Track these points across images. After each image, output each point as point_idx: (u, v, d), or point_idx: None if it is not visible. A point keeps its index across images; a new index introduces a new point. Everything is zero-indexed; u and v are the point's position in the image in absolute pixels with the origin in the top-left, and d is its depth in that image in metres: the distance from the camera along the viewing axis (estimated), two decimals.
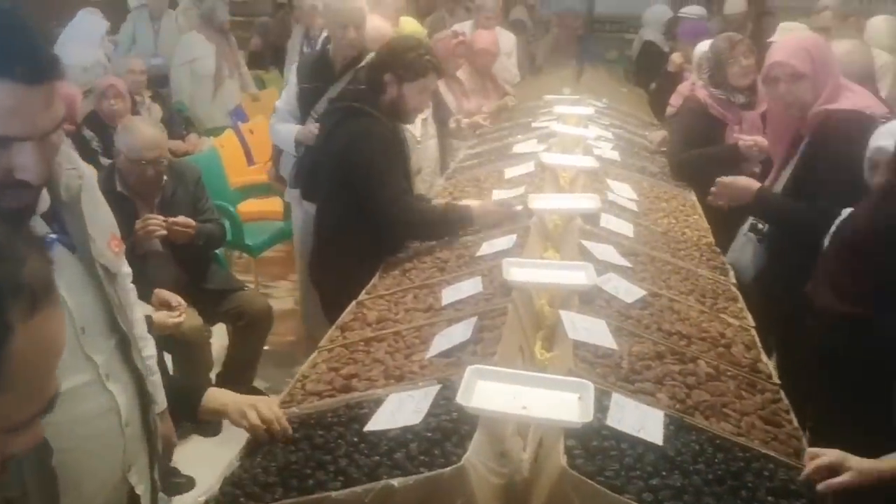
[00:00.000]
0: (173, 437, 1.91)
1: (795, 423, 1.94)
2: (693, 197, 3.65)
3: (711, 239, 3.15)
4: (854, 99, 2.73)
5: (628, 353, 2.00)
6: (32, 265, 0.83)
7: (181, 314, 2.74)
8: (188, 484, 3.30)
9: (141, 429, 1.65)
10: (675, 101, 5.03)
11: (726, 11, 6.92)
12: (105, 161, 4.30)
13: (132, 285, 1.83)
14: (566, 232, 2.91)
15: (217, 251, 4.12)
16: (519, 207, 3.01)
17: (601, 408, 1.68)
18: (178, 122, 5.70)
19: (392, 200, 2.92)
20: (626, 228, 2.91)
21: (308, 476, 1.61)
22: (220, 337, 3.99)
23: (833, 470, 1.61)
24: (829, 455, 1.63)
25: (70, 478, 1.42)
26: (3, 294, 0.80)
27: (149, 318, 2.65)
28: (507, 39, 6.09)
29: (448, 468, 1.48)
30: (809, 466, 1.62)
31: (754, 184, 2.95)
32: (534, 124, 4.51)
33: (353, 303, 2.64)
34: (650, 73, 6.75)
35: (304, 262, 3.77)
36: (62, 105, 1.36)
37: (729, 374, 2.06)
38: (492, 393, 1.70)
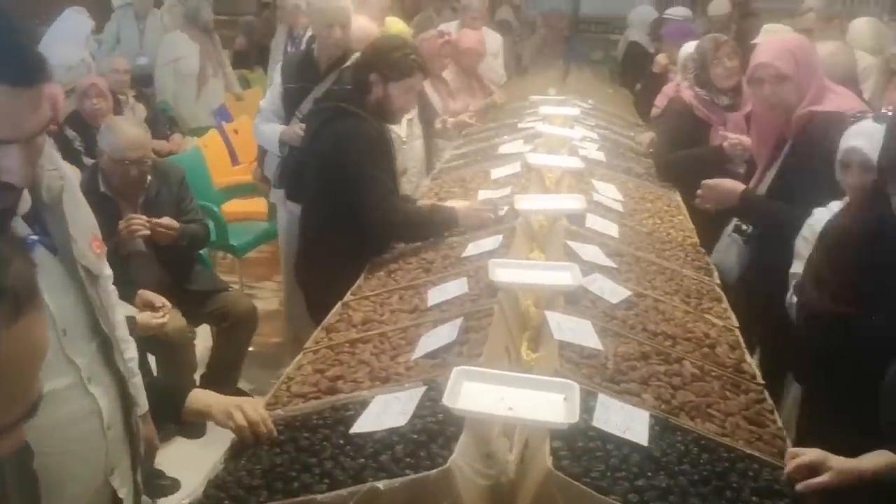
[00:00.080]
0: (155, 440, 1.90)
1: (779, 423, 1.95)
2: (678, 197, 3.67)
3: (696, 239, 3.17)
4: (838, 101, 2.75)
5: (614, 354, 2.01)
6: (17, 268, 0.82)
7: (165, 315, 2.72)
8: (173, 486, 3.28)
9: (123, 432, 1.64)
10: (661, 101, 5.05)
11: (710, 13, 6.96)
12: (88, 161, 4.27)
13: (113, 287, 1.81)
14: (552, 232, 2.91)
15: (201, 252, 4.10)
16: (503, 210, 3.00)
17: (587, 409, 1.68)
18: (162, 121, 5.66)
19: (377, 202, 2.92)
20: (611, 229, 2.92)
21: (293, 479, 1.60)
22: (204, 338, 3.97)
23: (814, 469, 1.62)
24: (810, 454, 1.64)
25: (52, 481, 1.41)
26: None
27: (132, 319, 2.64)
28: (493, 40, 6.10)
29: (434, 470, 1.48)
30: (790, 465, 1.63)
31: (739, 186, 2.97)
32: (520, 125, 4.51)
33: (339, 304, 2.63)
34: (635, 73, 6.78)
35: (289, 263, 3.75)
36: (48, 107, 1.35)
37: (714, 374, 2.07)
38: (478, 394, 1.70)
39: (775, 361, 2.65)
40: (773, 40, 3.06)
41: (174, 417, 1.86)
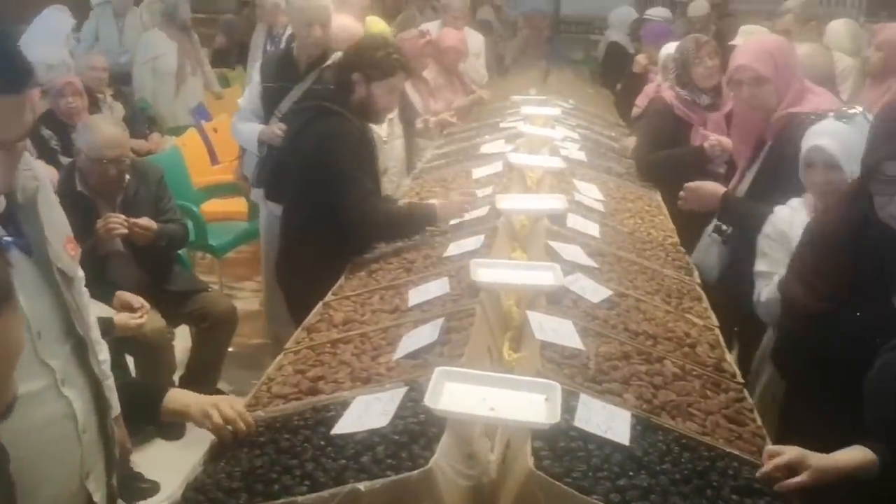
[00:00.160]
0: (128, 443, 1.88)
1: (759, 422, 1.96)
2: (658, 197, 3.68)
3: (677, 239, 3.18)
4: (817, 102, 2.77)
5: (595, 354, 2.01)
6: None
7: (143, 315, 2.69)
8: (152, 489, 3.25)
9: (97, 435, 1.62)
10: (641, 102, 5.07)
11: (690, 14, 7.01)
12: (64, 160, 4.22)
13: (85, 288, 1.79)
14: (533, 232, 2.91)
15: (180, 252, 4.06)
16: (480, 197, 3.01)
17: (568, 408, 1.69)
18: (140, 120, 5.61)
19: (357, 202, 2.91)
20: (592, 229, 2.92)
21: (273, 481, 1.58)
22: (183, 339, 3.94)
23: (792, 468, 1.63)
24: (788, 453, 1.65)
25: (27, 485, 1.39)
26: None
27: (110, 320, 2.62)
28: (475, 40, 6.09)
29: (415, 471, 1.47)
30: (768, 465, 1.64)
31: (720, 189, 2.98)
32: (501, 125, 4.51)
33: (320, 304, 2.61)
34: (616, 74, 6.80)
35: (270, 263, 3.73)
36: (32, 113, 1.34)
37: (694, 373, 2.07)
38: (459, 395, 1.70)
39: (750, 359, 2.67)
40: (752, 42, 3.07)
41: (151, 418, 1.84)
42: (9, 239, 1.44)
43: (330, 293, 2.71)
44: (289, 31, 4.32)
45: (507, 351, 2.18)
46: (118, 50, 6.60)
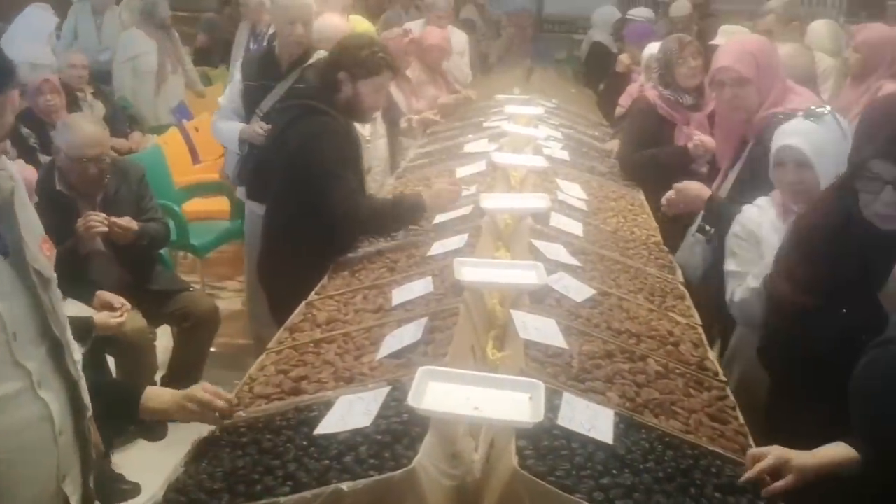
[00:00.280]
0: (100, 445, 1.86)
1: (741, 420, 1.97)
2: (641, 196, 3.69)
3: (659, 238, 3.19)
4: (799, 102, 2.78)
5: (578, 353, 2.01)
6: None
7: (123, 314, 2.67)
8: (133, 490, 3.22)
9: (74, 437, 1.60)
10: (625, 101, 5.09)
11: (672, 14, 7.03)
12: (43, 158, 4.17)
13: (58, 289, 1.77)
14: (517, 231, 2.91)
15: (162, 251, 4.03)
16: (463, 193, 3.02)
17: (552, 407, 1.68)
18: (121, 119, 5.55)
19: (340, 199, 2.89)
20: (575, 228, 2.93)
21: (255, 481, 1.57)
22: (165, 339, 3.91)
23: (776, 470, 1.64)
24: (771, 456, 1.66)
25: (3, 487, 1.37)
26: None
27: (90, 319, 2.59)
28: (459, 39, 6.09)
29: (398, 471, 1.47)
30: (753, 471, 1.65)
31: (706, 191, 2.99)
32: (485, 124, 4.52)
33: (303, 304, 2.60)
34: (599, 73, 6.83)
35: (253, 262, 3.71)
36: (12, 113, 1.32)
37: (677, 372, 2.08)
38: (443, 394, 1.69)
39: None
40: (734, 43, 3.08)
41: (130, 418, 1.83)
42: None
43: (313, 293, 2.69)
44: (272, 30, 4.30)
45: (490, 350, 2.18)
46: (97, 48, 6.53)
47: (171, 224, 4.09)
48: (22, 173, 3.80)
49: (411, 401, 1.61)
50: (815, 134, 2.31)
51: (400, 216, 3.01)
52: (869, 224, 1.91)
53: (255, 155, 3.70)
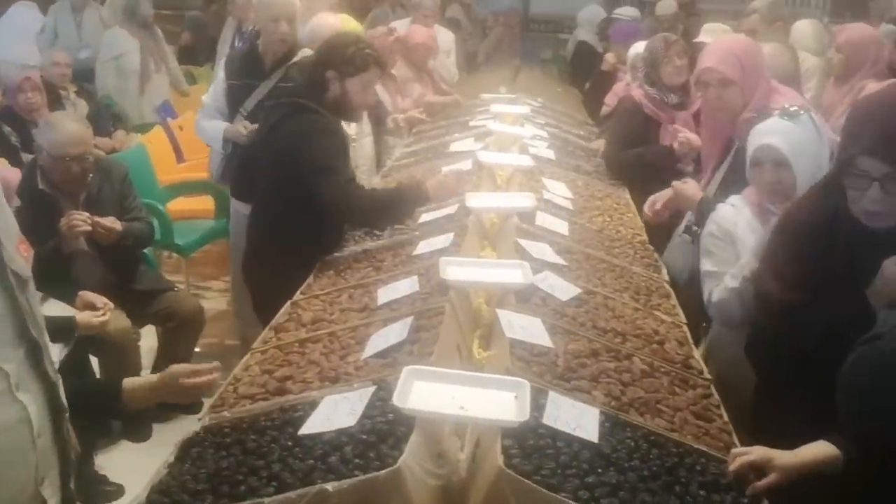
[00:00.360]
0: (78, 447, 1.85)
1: (725, 418, 1.97)
2: (627, 195, 3.70)
3: (645, 236, 3.19)
4: (783, 102, 2.79)
5: (564, 352, 2.01)
6: None
7: (106, 313, 2.65)
8: (117, 492, 3.20)
9: (52, 439, 1.58)
10: (611, 100, 5.10)
11: (658, 12, 7.06)
12: (26, 157, 4.14)
13: (36, 290, 1.76)
14: (503, 230, 2.91)
15: (146, 251, 4.01)
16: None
17: (537, 406, 1.69)
18: (105, 117, 5.51)
19: (338, 189, 2.87)
20: (561, 227, 2.93)
21: (240, 482, 1.57)
22: (149, 339, 3.89)
23: (757, 467, 1.65)
24: (753, 453, 1.67)
25: None
26: None
27: (73, 319, 2.57)
28: (446, 38, 6.08)
29: (383, 471, 1.46)
30: (734, 465, 1.66)
31: (699, 193, 3.00)
32: (471, 123, 4.51)
33: (288, 303, 2.59)
34: (584, 72, 6.84)
35: (237, 262, 3.69)
36: None
37: (662, 370, 2.08)
38: (428, 393, 1.69)
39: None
40: (719, 44, 3.08)
41: (113, 413, 1.83)
42: None
43: (299, 292, 2.68)
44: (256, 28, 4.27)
45: (476, 349, 2.17)
46: (77, 45, 6.48)
47: (156, 223, 4.06)
48: (4, 174, 3.77)
49: (396, 400, 1.61)
50: (792, 133, 2.31)
51: (401, 205, 2.99)
52: (856, 221, 1.91)
53: (240, 154, 3.68)
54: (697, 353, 2.32)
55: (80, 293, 2.69)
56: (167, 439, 1.86)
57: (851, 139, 1.94)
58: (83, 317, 2.59)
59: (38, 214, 3.25)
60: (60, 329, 2.40)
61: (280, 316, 2.50)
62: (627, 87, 4.50)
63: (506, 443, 1.56)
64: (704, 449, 1.76)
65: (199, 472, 1.64)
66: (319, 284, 2.73)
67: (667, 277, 2.87)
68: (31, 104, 4.58)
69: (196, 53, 8.02)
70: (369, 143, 4.50)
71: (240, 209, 3.68)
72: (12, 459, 1.48)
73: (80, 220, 3.26)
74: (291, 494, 1.47)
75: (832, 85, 4.11)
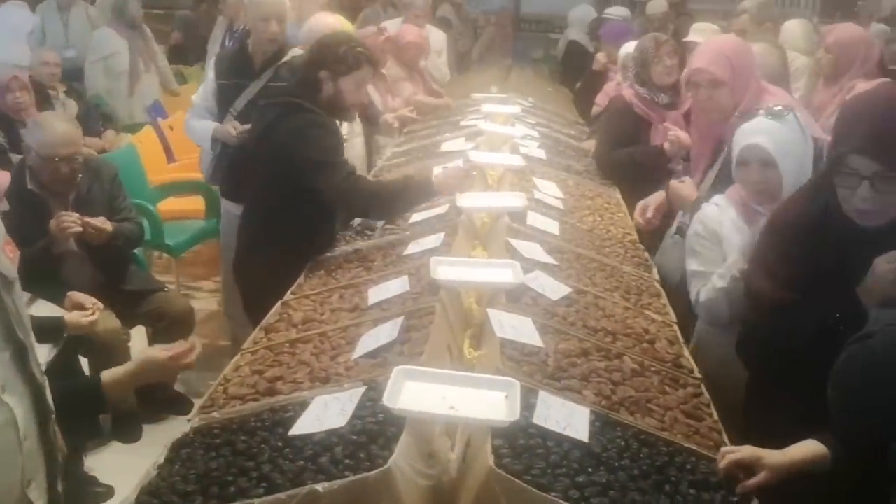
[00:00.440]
0: (64, 448, 1.84)
1: (716, 417, 1.98)
2: (618, 195, 3.70)
3: (635, 236, 3.20)
4: (773, 102, 2.80)
5: (554, 351, 2.01)
6: None
7: (94, 313, 2.64)
8: (106, 493, 3.18)
9: (38, 442, 1.57)
10: (602, 100, 5.10)
11: (649, 12, 7.08)
12: (14, 157, 4.11)
13: (22, 291, 1.75)
14: (493, 230, 2.91)
15: (136, 251, 3.99)
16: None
17: (528, 406, 1.68)
18: (94, 117, 5.49)
19: (342, 180, 2.88)
20: (551, 226, 2.93)
21: (229, 483, 1.56)
22: (139, 340, 3.87)
23: (746, 466, 1.65)
24: (742, 452, 1.67)
25: None
26: None
27: (61, 319, 2.56)
28: (437, 37, 6.08)
29: (374, 471, 1.46)
30: (723, 463, 1.67)
31: (695, 193, 3.00)
32: (462, 122, 4.51)
33: (279, 303, 2.58)
34: (575, 72, 6.85)
35: (228, 262, 3.68)
36: None
37: (653, 369, 2.09)
38: (419, 393, 1.68)
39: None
40: (709, 44, 3.09)
41: (98, 408, 1.82)
42: None
43: (289, 292, 2.68)
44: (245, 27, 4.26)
45: (467, 349, 2.17)
46: (64, 45, 6.45)
47: (146, 223, 4.05)
48: None
49: (387, 401, 1.61)
50: (778, 133, 2.32)
51: (407, 198, 2.99)
52: (847, 219, 1.92)
53: (230, 154, 3.67)
54: (688, 352, 2.33)
55: (69, 294, 2.68)
56: (157, 440, 1.86)
57: (842, 138, 1.95)
58: (72, 317, 2.58)
59: (27, 215, 3.23)
60: (49, 329, 2.39)
61: (270, 316, 2.50)
62: (618, 87, 4.51)
63: (496, 442, 1.56)
64: (694, 448, 1.76)
65: (189, 474, 1.64)
66: (310, 284, 2.73)
67: (657, 276, 2.87)
68: (19, 104, 4.55)
69: (186, 53, 8.00)
70: (360, 142, 4.50)
71: (231, 209, 3.67)
72: None
73: (71, 220, 3.24)
74: (281, 495, 1.47)
75: (822, 85, 4.12)
